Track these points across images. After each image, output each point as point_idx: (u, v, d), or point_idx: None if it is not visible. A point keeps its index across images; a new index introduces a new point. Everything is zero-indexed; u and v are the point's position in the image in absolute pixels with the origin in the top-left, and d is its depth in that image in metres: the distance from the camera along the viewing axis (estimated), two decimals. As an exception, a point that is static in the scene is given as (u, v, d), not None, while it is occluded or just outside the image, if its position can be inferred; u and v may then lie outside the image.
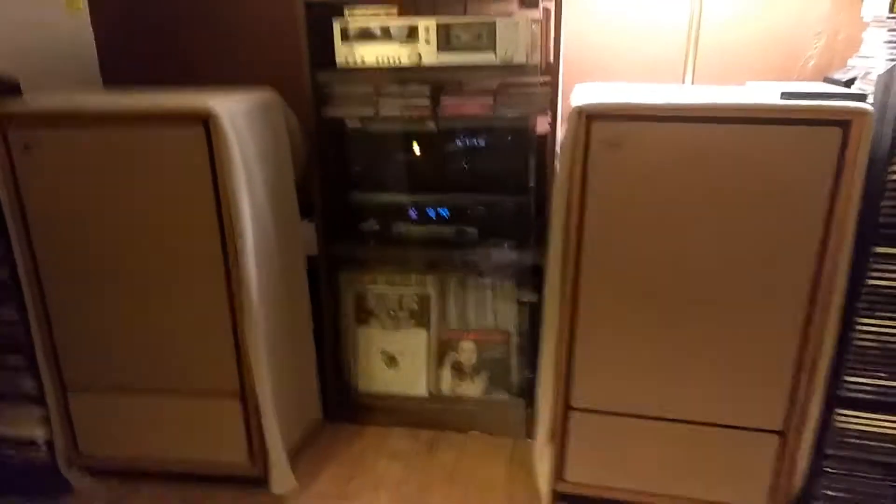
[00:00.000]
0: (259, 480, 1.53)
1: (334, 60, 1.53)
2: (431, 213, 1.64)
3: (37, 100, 1.38)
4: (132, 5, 1.85)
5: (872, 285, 1.20)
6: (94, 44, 1.87)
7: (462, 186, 1.63)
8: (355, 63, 1.52)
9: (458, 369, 1.78)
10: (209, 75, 1.84)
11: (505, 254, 1.63)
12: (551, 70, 1.44)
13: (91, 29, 1.86)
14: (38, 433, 1.53)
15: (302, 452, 1.67)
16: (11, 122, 1.32)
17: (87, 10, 1.84)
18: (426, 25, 1.47)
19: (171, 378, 1.47)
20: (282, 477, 1.51)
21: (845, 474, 1.31)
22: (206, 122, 1.28)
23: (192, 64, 1.86)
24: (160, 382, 1.48)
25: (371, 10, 1.51)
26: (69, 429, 1.54)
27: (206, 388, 1.47)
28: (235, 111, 1.33)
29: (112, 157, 1.33)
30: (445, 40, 1.47)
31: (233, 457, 1.52)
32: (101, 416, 1.52)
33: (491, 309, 1.72)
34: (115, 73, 1.89)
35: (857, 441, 1.29)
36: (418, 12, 1.51)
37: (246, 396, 1.47)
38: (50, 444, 1.54)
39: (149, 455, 1.55)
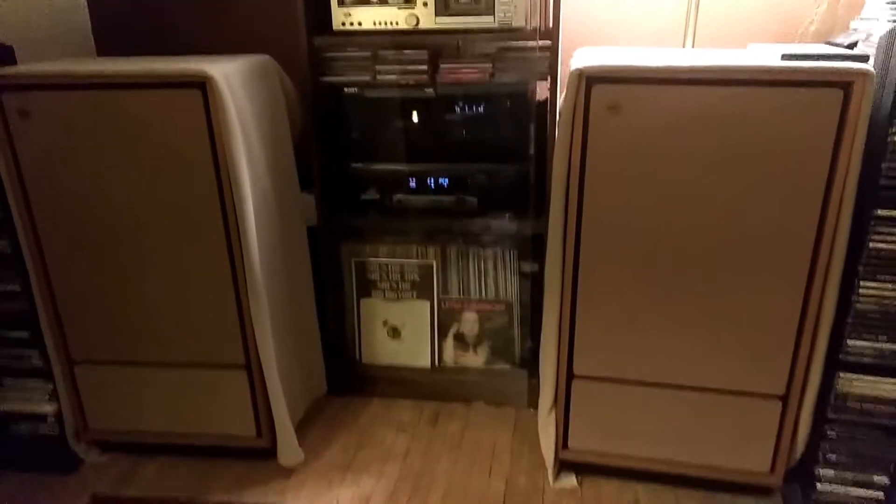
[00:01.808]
0: (266, 452, 1.55)
1: (331, 25, 1.51)
2: (431, 183, 1.63)
3: (32, 66, 1.37)
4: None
5: (874, 248, 1.20)
6: (88, 13, 1.85)
7: (461, 155, 1.61)
8: (352, 27, 1.50)
9: (460, 340, 1.79)
10: (204, 43, 1.82)
11: (505, 223, 1.63)
12: (551, 34, 1.42)
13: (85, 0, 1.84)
14: (47, 408, 1.54)
15: (308, 424, 1.69)
16: (6, 88, 1.31)
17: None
18: (424, -12, 1.45)
19: (177, 350, 1.48)
20: (289, 449, 1.53)
21: (847, 438, 1.32)
22: (203, 87, 1.27)
23: (187, 32, 1.84)
24: (165, 355, 1.49)
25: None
26: (77, 403, 1.55)
27: (212, 360, 1.48)
28: (232, 75, 1.32)
29: (110, 124, 1.32)
30: (443, 3, 1.45)
31: (240, 429, 1.53)
32: (109, 389, 1.53)
33: (492, 279, 1.73)
34: (109, 42, 1.87)
35: (859, 405, 1.29)
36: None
37: (251, 368, 1.47)
38: (58, 418, 1.55)
39: (156, 428, 1.56)
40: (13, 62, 1.38)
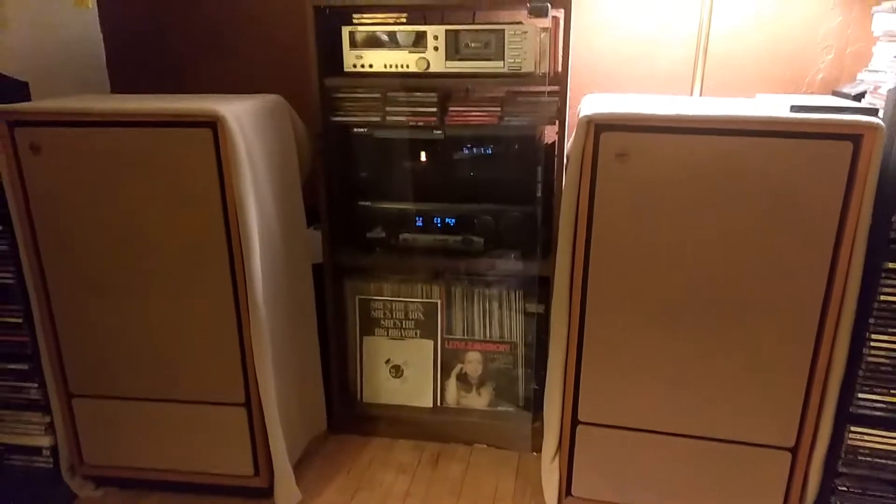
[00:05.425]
0: (264, 492, 1.52)
1: (342, 67, 1.54)
2: (437, 222, 1.63)
3: (45, 102, 1.38)
4: (141, 14, 1.86)
5: (884, 301, 1.19)
6: (104, 51, 1.88)
7: (468, 195, 1.62)
8: (363, 69, 1.52)
9: (463, 380, 1.77)
10: (218, 82, 1.85)
11: (511, 264, 1.62)
12: (559, 79, 1.44)
13: (101, 36, 1.87)
14: (42, 441, 1.53)
15: (307, 464, 1.66)
16: (20, 123, 1.32)
17: (97, 17, 1.85)
18: (435, 32, 1.47)
19: (177, 387, 1.46)
20: (286, 489, 1.50)
21: (857, 492, 1.30)
22: (213, 126, 1.28)
23: (201, 71, 1.87)
24: (165, 391, 1.47)
25: (380, 16, 1.51)
26: (73, 437, 1.53)
27: (212, 398, 1.46)
28: (243, 115, 1.33)
29: (119, 161, 1.32)
30: (454, 48, 1.47)
31: (237, 468, 1.51)
32: (106, 424, 1.52)
33: (497, 319, 1.71)
34: (123, 80, 1.90)
35: (870, 458, 1.27)
36: (426, 20, 1.51)
37: (251, 406, 1.46)
38: (54, 452, 1.53)
39: (153, 465, 1.54)
40: (27, 98, 1.40)
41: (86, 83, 1.82)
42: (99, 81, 1.87)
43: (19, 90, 1.39)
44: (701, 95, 1.53)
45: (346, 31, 1.51)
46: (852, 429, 1.26)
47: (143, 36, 1.87)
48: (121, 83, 1.90)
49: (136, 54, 1.88)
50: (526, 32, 1.44)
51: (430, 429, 1.76)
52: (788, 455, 1.30)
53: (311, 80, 1.53)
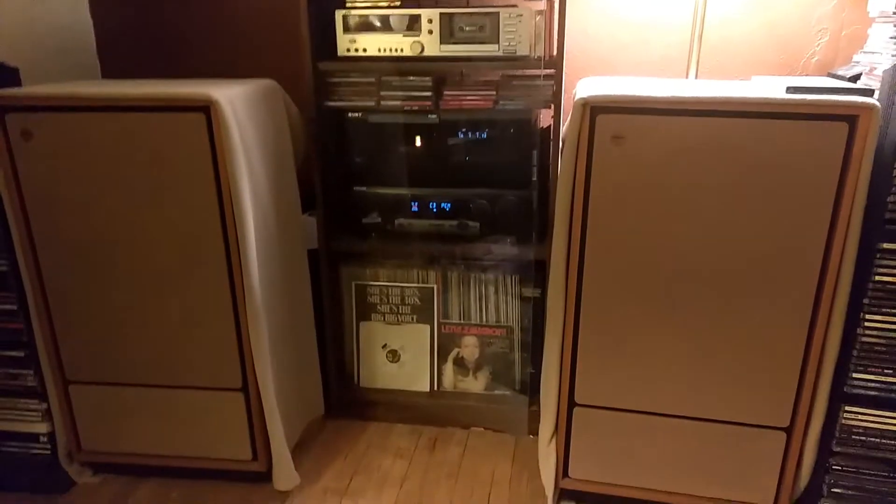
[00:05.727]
0: (262, 476, 1.53)
1: (336, 51, 1.52)
2: (433, 207, 1.63)
3: (36, 88, 1.37)
4: (132, -3, 1.84)
5: (879, 281, 1.19)
6: (94, 36, 1.86)
7: (464, 180, 1.61)
8: (357, 53, 1.51)
9: (460, 365, 1.77)
10: (210, 67, 1.83)
11: (507, 248, 1.62)
12: (555, 63, 1.43)
13: (90, 20, 1.85)
14: (40, 427, 1.52)
15: (305, 448, 1.67)
16: (11, 109, 1.31)
17: (87, 1, 1.83)
18: (429, 16, 1.46)
19: (174, 372, 1.47)
20: (285, 473, 1.51)
21: (852, 471, 1.31)
22: (206, 110, 1.27)
23: (193, 55, 1.85)
24: (162, 377, 1.47)
25: (373, 0, 1.50)
26: (71, 423, 1.53)
27: (209, 383, 1.46)
28: (236, 100, 1.32)
29: (112, 146, 1.31)
30: (448, 31, 1.46)
31: (235, 452, 1.52)
32: (103, 410, 1.52)
33: (493, 304, 1.72)
34: (114, 65, 1.88)
35: (864, 438, 1.28)
36: (421, 3, 1.50)
37: (249, 391, 1.46)
38: (51, 438, 1.53)
39: (151, 450, 1.54)
40: (18, 83, 1.39)
41: (77, 69, 1.80)
42: (90, 67, 1.85)
43: (10, 76, 1.37)
44: (696, 78, 1.52)
45: (339, 14, 1.50)
46: (846, 408, 1.27)
47: (134, 20, 1.85)
48: (112, 68, 1.88)
49: (128, 39, 1.86)
50: (521, 16, 1.43)
51: (428, 413, 1.77)
52: (783, 435, 1.31)
53: (305, 65, 1.51)
